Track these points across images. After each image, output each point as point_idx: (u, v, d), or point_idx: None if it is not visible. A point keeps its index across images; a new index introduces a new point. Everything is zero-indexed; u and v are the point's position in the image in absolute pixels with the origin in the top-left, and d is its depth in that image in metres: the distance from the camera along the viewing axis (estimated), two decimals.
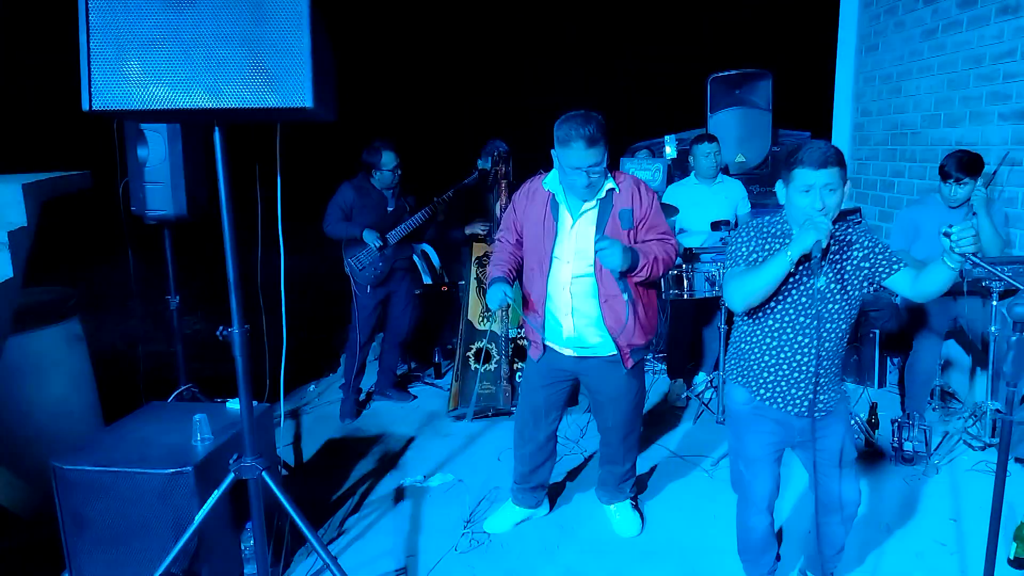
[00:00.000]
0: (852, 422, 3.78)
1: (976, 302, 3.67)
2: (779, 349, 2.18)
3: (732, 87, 6.20)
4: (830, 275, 2.13)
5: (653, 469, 3.62)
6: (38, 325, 3.14)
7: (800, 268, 2.09)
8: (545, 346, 2.84)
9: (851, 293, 2.15)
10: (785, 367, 2.18)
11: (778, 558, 2.53)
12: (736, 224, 4.47)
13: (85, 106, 1.79)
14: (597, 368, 2.82)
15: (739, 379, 2.30)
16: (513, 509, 3.13)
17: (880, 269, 2.15)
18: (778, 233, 2.18)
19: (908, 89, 4.89)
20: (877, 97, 5.28)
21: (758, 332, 2.21)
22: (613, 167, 2.74)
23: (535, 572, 2.81)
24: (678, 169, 6.07)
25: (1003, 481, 1.86)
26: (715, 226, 4.04)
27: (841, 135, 5.71)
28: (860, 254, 2.16)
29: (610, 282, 2.65)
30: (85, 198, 3.38)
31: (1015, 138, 3.97)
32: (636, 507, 3.19)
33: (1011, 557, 2.72)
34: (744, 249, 2.17)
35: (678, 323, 4.52)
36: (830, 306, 2.14)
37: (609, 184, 2.68)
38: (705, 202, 4.44)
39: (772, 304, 2.15)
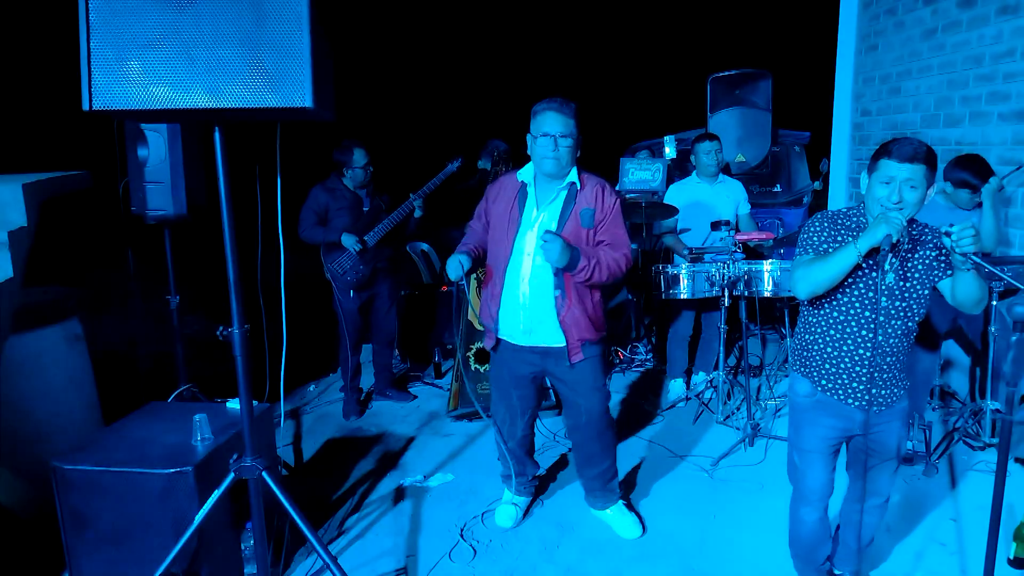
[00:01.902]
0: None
1: None
2: (842, 341, 2.19)
3: (732, 87, 6.20)
4: (900, 271, 2.13)
5: (652, 469, 3.62)
6: (38, 325, 3.14)
7: (870, 261, 2.09)
8: (499, 339, 2.90)
9: (919, 291, 2.15)
10: (847, 359, 2.19)
11: (829, 559, 2.53)
12: (736, 224, 4.48)
13: (85, 106, 1.79)
14: (555, 361, 2.87)
15: (802, 369, 2.31)
16: (516, 499, 3.19)
17: (940, 271, 2.15)
18: (852, 226, 2.17)
19: (908, 89, 4.89)
20: (877, 97, 5.28)
21: (822, 323, 2.22)
22: (589, 168, 2.84)
23: (535, 572, 2.81)
24: (678, 169, 6.07)
25: (1003, 481, 1.86)
26: (715, 226, 4.04)
27: (841, 135, 5.71)
28: (933, 253, 2.15)
29: (569, 278, 2.74)
30: (85, 198, 3.38)
31: (1015, 138, 3.97)
32: (630, 507, 3.19)
33: (1011, 557, 2.72)
34: (816, 239, 2.18)
35: (678, 323, 4.52)
36: (897, 303, 2.13)
37: (573, 177, 2.76)
38: (706, 201, 4.44)
39: (838, 295, 2.16)
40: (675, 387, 4.55)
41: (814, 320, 2.25)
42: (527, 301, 2.79)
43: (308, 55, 1.80)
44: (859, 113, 5.54)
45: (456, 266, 2.77)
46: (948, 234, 1.93)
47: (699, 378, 4.62)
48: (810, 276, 2.11)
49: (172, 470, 2.37)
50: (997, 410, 3.44)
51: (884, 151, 2.06)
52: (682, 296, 4.11)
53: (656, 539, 3.01)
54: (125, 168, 3.24)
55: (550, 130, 2.65)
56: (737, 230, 4.38)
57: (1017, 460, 3.42)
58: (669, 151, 6.27)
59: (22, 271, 2.69)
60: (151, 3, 1.78)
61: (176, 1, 1.78)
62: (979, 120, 4.23)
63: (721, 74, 6.16)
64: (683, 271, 4.08)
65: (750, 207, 4.63)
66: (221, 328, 2.25)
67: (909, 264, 2.14)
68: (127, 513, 2.41)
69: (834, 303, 2.18)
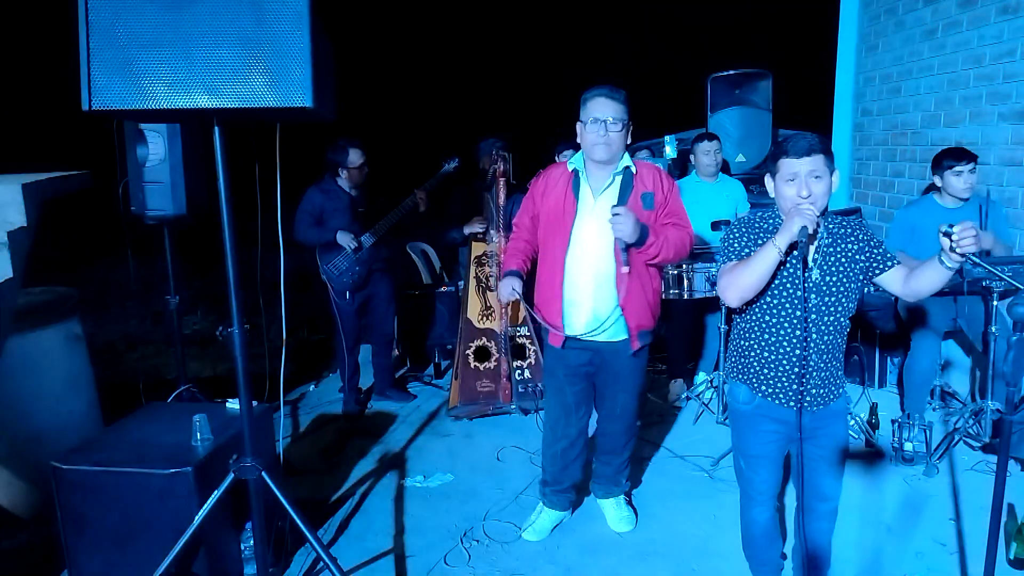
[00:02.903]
0: (851, 421, 3.78)
1: (976, 302, 3.67)
2: (777, 345, 2.18)
3: (732, 87, 6.20)
4: (824, 267, 2.14)
5: (652, 469, 3.62)
6: (38, 325, 3.14)
7: (793, 261, 2.10)
8: (567, 336, 2.83)
9: (847, 286, 2.15)
10: (785, 362, 2.19)
11: (784, 557, 2.53)
12: None
13: (85, 106, 1.79)
14: (610, 353, 2.84)
15: (739, 376, 2.31)
16: (549, 513, 3.07)
17: (874, 264, 2.16)
18: (769, 228, 2.18)
19: (908, 89, 4.89)
20: (877, 97, 5.28)
21: (755, 328, 2.22)
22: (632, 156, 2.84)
23: (535, 572, 2.81)
24: (677, 169, 6.07)
25: (1003, 481, 1.86)
26: (715, 226, 4.04)
27: (841, 135, 5.71)
28: (855, 247, 2.16)
29: (631, 262, 2.70)
30: (85, 198, 3.38)
31: (1015, 138, 3.97)
32: (630, 502, 3.21)
33: (1011, 557, 2.72)
34: (737, 244, 2.19)
35: (678, 323, 4.52)
36: (826, 299, 2.14)
37: (627, 162, 2.75)
38: (706, 201, 4.43)
39: (767, 299, 2.16)
40: (675, 387, 4.55)
41: (747, 326, 2.25)
42: (589, 290, 2.76)
43: (308, 55, 1.80)
44: (859, 113, 5.53)
45: (509, 291, 2.81)
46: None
47: (699, 378, 4.62)
48: (736, 281, 2.11)
49: (172, 470, 2.37)
50: (997, 410, 3.44)
51: (781, 151, 2.08)
52: (683, 296, 4.11)
53: (656, 539, 3.01)
54: (125, 168, 3.24)
55: (600, 115, 2.64)
56: None
57: (1017, 460, 3.42)
58: (669, 151, 6.27)
59: (22, 271, 2.69)
60: (151, 3, 1.78)
61: (176, 1, 1.78)
62: (979, 120, 4.23)
63: (721, 74, 6.16)
64: (683, 271, 4.08)
65: (750, 207, 4.63)
66: (221, 328, 2.25)
67: (832, 259, 2.15)
68: (127, 513, 2.41)
69: (764, 307, 2.18)
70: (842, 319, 2.17)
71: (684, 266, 4.08)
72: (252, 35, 1.79)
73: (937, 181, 3.66)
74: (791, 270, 2.12)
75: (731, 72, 6.16)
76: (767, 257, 2.04)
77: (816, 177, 2.05)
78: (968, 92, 4.31)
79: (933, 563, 2.77)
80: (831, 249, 2.15)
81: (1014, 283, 1.95)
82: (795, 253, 2.09)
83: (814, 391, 2.19)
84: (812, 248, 2.12)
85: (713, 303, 4.17)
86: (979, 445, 3.57)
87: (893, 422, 3.57)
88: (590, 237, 2.72)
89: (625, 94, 2.70)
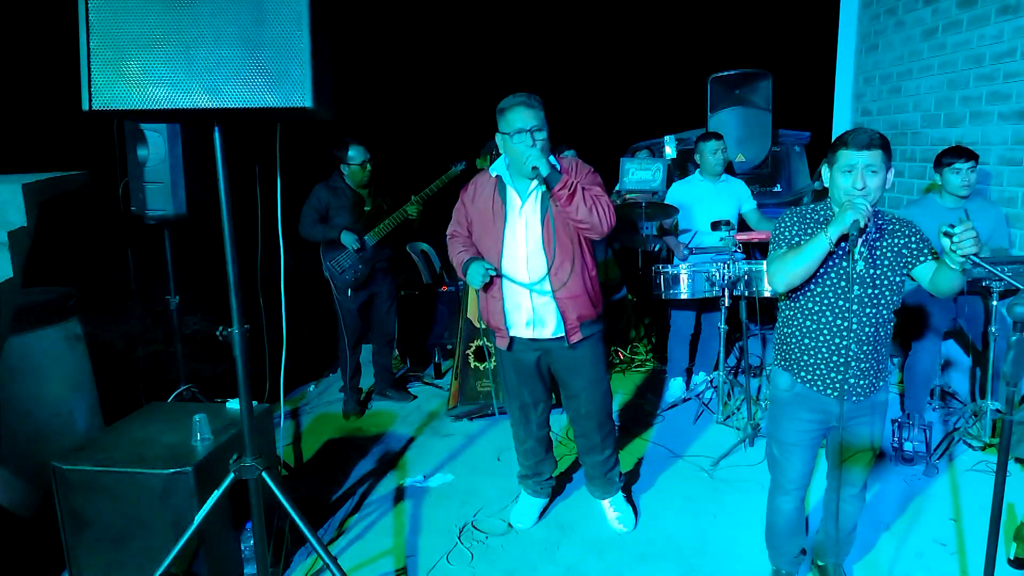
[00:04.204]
0: None
1: (976, 302, 3.67)
2: (818, 332, 2.23)
3: (732, 87, 6.19)
4: (869, 259, 2.18)
5: (652, 469, 3.62)
6: (38, 325, 3.14)
7: (840, 251, 2.15)
8: (512, 337, 2.89)
9: (891, 278, 2.19)
10: (824, 350, 2.23)
11: (803, 552, 2.56)
12: (742, 222, 4.48)
13: (85, 106, 1.79)
14: (558, 350, 2.88)
15: (782, 363, 2.36)
16: (533, 501, 3.19)
17: (912, 258, 2.20)
18: (821, 220, 2.23)
19: (908, 89, 4.89)
20: (877, 97, 5.28)
21: (799, 316, 2.27)
22: (569, 155, 2.80)
23: (535, 572, 2.81)
24: (678, 169, 6.07)
25: (1003, 481, 1.86)
26: (715, 226, 4.04)
27: None
28: (901, 241, 2.20)
29: (562, 256, 2.74)
30: (85, 198, 3.38)
31: (1015, 138, 3.97)
32: (629, 501, 3.22)
33: (1011, 557, 2.72)
34: (787, 233, 2.24)
35: (679, 322, 4.52)
36: (869, 290, 2.18)
37: (552, 163, 2.75)
38: (709, 200, 4.43)
39: (812, 286, 2.21)
40: (675, 387, 4.55)
41: (790, 313, 2.31)
42: (524, 289, 2.80)
43: (308, 55, 1.80)
44: (859, 113, 5.53)
45: (481, 271, 2.76)
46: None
47: (699, 378, 4.62)
48: (785, 267, 2.16)
49: (172, 470, 2.37)
50: (997, 410, 3.44)
51: (841, 142, 2.15)
52: (682, 296, 4.11)
53: (656, 539, 3.01)
54: (125, 168, 3.24)
55: (524, 124, 2.63)
56: (739, 228, 4.37)
57: (1017, 460, 3.42)
58: (669, 151, 6.26)
59: (22, 271, 2.69)
60: (151, 3, 1.78)
61: (176, 1, 1.78)
62: (979, 120, 4.23)
63: (721, 74, 6.14)
64: (683, 271, 4.08)
65: (755, 204, 4.61)
66: (221, 328, 2.25)
67: (877, 252, 2.19)
68: (127, 513, 2.41)
69: (808, 295, 2.23)
70: (884, 311, 2.21)
71: (684, 266, 4.09)
72: (252, 35, 1.79)
73: (938, 179, 3.68)
74: (836, 260, 2.17)
75: (731, 72, 6.14)
76: (818, 247, 2.10)
77: (872, 171, 2.10)
78: (968, 92, 4.31)
79: (933, 563, 2.77)
80: (878, 243, 2.20)
81: (1014, 283, 1.96)
82: (843, 244, 2.14)
83: (853, 380, 2.23)
84: (860, 241, 2.16)
85: (713, 303, 4.17)
86: (979, 445, 3.56)
87: (893, 422, 3.57)
88: (520, 238, 2.77)
89: (540, 99, 2.69)
